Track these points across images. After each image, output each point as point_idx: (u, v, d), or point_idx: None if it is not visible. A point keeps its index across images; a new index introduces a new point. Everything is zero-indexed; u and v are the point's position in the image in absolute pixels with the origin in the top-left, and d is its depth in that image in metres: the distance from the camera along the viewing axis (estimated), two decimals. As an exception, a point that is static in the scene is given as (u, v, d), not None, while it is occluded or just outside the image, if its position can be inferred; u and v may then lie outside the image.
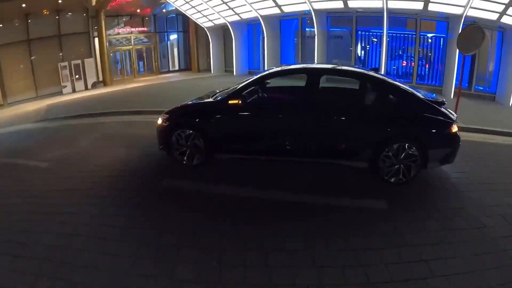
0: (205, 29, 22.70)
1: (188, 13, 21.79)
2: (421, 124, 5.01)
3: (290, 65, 7.42)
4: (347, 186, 5.05)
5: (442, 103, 5.12)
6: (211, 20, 21.45)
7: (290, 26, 19.12)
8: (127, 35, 24.74)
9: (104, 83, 22.00)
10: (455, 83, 13.00)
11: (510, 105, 12.42)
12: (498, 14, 11.64)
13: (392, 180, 5.00)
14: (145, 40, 26.00)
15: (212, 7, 19.37)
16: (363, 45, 16.72)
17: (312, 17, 15.96)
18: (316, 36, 16.28)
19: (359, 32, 16.33)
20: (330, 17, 16.63)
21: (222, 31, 22.67)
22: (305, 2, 15.32)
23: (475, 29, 8.57)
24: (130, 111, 11.54)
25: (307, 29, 18.18)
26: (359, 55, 16.86)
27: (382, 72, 14.23)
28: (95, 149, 7.18)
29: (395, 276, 3.13)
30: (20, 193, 5.12)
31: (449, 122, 4.96)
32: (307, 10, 16.00)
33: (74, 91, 20.33)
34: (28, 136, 9.71)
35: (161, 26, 26.59)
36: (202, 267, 3.30)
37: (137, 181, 5.34)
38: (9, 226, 4.18)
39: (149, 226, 4.03)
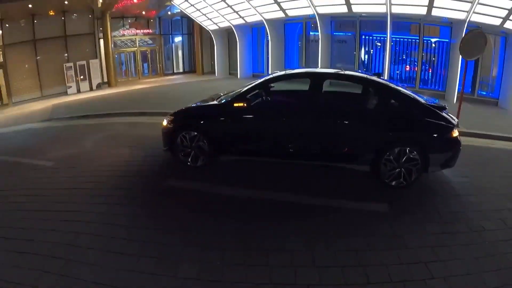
0: (210, 32, 22.84)
1: (193, 15, 21.94)
2: (422, 129, 5.06)
3: (293, 69, 7.49)
4: (348, 188, 5.11)
5: (443, 108, 5.18)
6: (215, 23, 21.56)
7: (294, 30, 19.19)
8: (132, 36, 24.92)
9: (109, 84, 22.15)
10: (458, 88, 13.01)
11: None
12: (501, 20, 11.67)
13: (393, 183, 5.06)
14: (150, 42, 26.16)
15: (217, 10, 19.49)
16: (366, 49, 16.75)
17: (316, 21, 16.02)
18: (320, 40, 16.34)
19: (363, 37, 16.36)
20: (334, 22, 16.67)
21: (227, 34, 22.77)
22: (309, 7, 15.39)
23: (477, 34, 8.62)
24: (134, 112, 11.64)
25: (311, 33, 18.23)
26: (363, 59, 16.90)
27: (385, 77, 14.31)
28: (100, 149, 7.27)
29: (394, 277, 3.18)
30: (26, 192, 5.22)
31: (450, 126, 5.02)
32: (311, 14, 16.08)
33: (79, 91, 20.49)
34: (34, 135, 9.82)
35: (166, 28, 26.76)
36: (205, 265, 3.36)
37: (141, 181, 5.42)
38: (15, 223, 4.27)
39: (153, 225, 4.10)
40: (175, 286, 3.11)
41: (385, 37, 14.48)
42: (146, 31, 25.57)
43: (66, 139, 8.71)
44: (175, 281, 3.16)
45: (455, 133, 5.05)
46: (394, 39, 15.05)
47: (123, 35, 24.43)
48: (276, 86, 6.19)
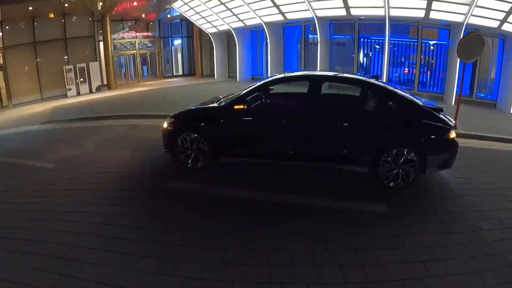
0: (209, 35, 22.93)
1: (193, 18, 22.04)
2: (420, 130, 5.12)
3: (292, 72, 7.55)
4: (347, 189, 5.15)
5: (440, 110, 5.24)
6: (215, 26, 21.67)
7: (293, 33, 19.30)
8: (131, 39, 25.04)
9: (109, 86, 22.24)
10: (457, 90, 13.10)
11: (511, 112, 12.52)
12: (499, 22, 11.77)
13: (391, 184, 5.10)
14: (150, 44, 26.28)
15: (216, 13, 19.60)
16: (365, 52, 16.85)
17: (315, 24, 16.12)
18: (318, 43, 16.43)
19: (362, 39, 16.47)
20: (333, 25, 16.79)
21: (226, 37, 22.88)
22: (308, 10, 15.48)
23: (474, 37, 8.69)
24: (134, 114, 11.67)
25: (310, 36, 18.33)
26: (362, 62, 16.99)
27: (384, 79, 14.39)
28: (101, 151, 7.31)
29: (392, 276, 3.23)
30: (28, 193, 5.26)
31: (447, 128, 5.07)
32: (310, 18, 16.16)
33: (78, 94, 20.57)
34: (34, 137, 9.86)
35: (165, 31, 26.89)
36: (206, 265, 3.40)
37: (142, 182, 5.47)
38: (17, 224, 4.31)
39: (154, 226, 4.14)
40: (176, 285, 3.14)
41: (384, 39, 14.57)
42: (145, 34, 25.71)
43: (66, 141, 8.75)
44: (177, 280, 3.19)
45: (452, 134, 5.10)
46: (393, 41, 15.15)
47: (123, 37, 24.56)
48: (275, 89, 6.24)
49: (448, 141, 5.10)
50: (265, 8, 17.04)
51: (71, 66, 20.47)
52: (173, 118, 5.92)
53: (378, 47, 16.10)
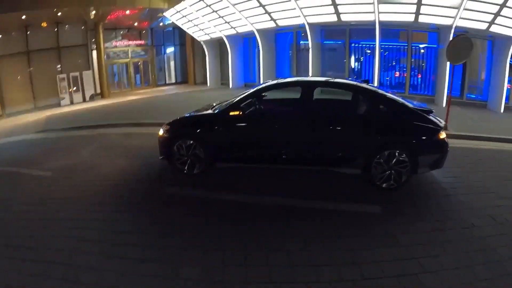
0: (202, 42, 23.03)
1: (185, 27, 22.14)
2: (411, 132, 5.25)
3: (285, 78, 7.65)
4: (341, 191, 5.25)
5: (430, 112, 5.37)
6: (207, 34, 21.79)
7: (285, 39, 19.48)
8: (124, 48, 25.09)
9: (102, 95, 22.22)
10: (447, 92, 13.31)
11: (502, 112, 12.76)
12: (487, 24, 12.04)
13: (384, 185, 5.21)
14: (142, 53, 26.35)
15: (208, 21, 19.74)
16: (356, 57, 17.08)
17: (306, 30, 16.31)
18: (310, 49, 16.60)
19: (353, 45, 16.71)
20: (324, 30, 16.99)
21: (218, 44, 22.99)
22: (299, 16, 15.67)
23: (463, 39, 8.88)
24: (128, 123, 11.69)
25: (301, 42, 18.53)
26: (353, 67, 17.20)
27: (375, 83, 14.57)
28: (97, 159, 7.34)
29: (387, 272, 3.32)
30: (27, 201, 5.29)
31: (437, 129, 5.20)
32: (301, 24, 16.32)
33: (72, 103, 20.50)
34: (30, 146, 9.84)
35: (158, 39, 26.99)
36: (205, 267, 3.46)
37: (140, 189, 5.52)
38: (17, 232, 4.33)
39: (153, 230, 4.20)
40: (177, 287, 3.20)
41: (374, 44, 14.78)
42: (138, 42, 25.79)
43: (62, 149, 8.75)
44: (177, 282, 3.24)
45: (442, 135, 5.23)
46: (383, 46, 15.36)
47: (116, 46, 24.59)
48: (268, 95, 6.34)
49: (439, 142, 5.22)
50: (257, 15, 17.20)
51: (64, 75, 20.40)
52: (169, 125, 5.99)
53: (369, 51, 16.32)
